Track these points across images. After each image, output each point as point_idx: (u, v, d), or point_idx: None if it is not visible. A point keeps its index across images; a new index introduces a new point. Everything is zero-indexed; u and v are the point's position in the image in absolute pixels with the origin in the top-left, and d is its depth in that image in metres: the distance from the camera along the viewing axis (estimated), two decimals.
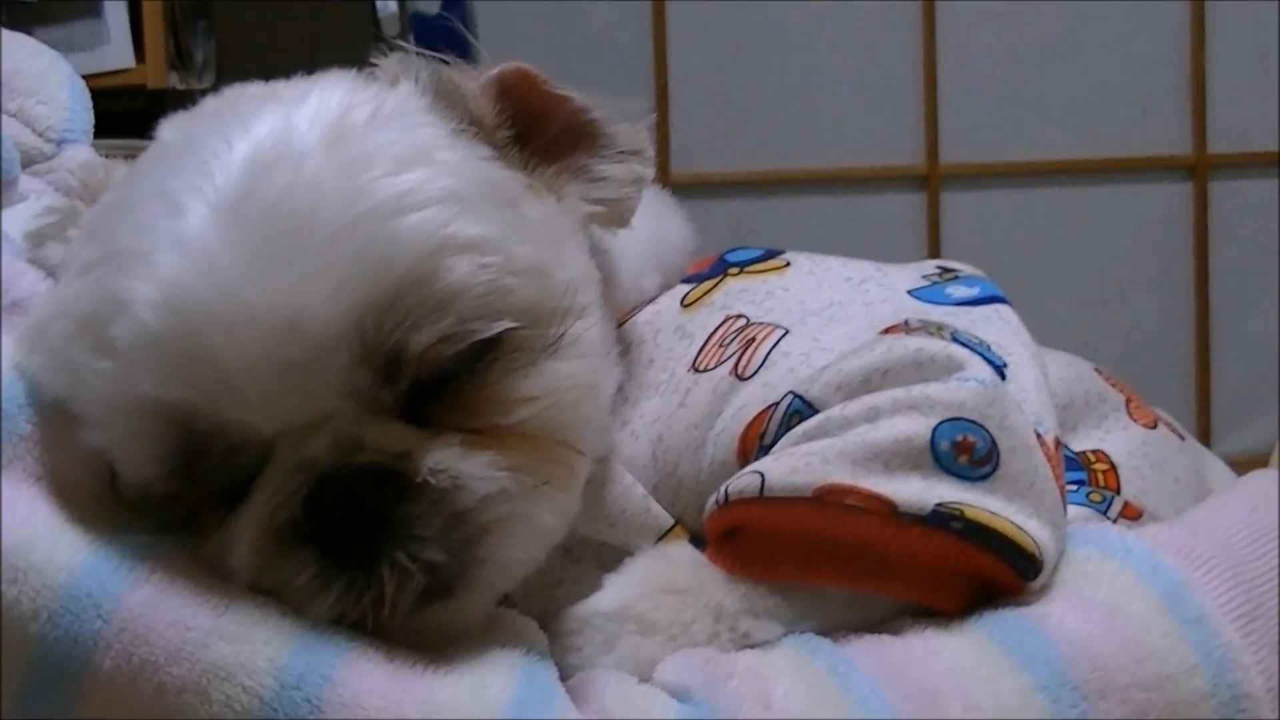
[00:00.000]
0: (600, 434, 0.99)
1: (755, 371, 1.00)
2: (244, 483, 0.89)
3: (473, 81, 1.00)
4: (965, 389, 0.92)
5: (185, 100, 1.02)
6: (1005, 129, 4.15)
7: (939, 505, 0.89)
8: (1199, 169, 4.09)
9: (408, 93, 0.97)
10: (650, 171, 1.03)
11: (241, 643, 0.83)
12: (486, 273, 0.88)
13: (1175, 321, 4.14)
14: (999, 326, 1.02)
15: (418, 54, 1.00)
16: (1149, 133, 4.11)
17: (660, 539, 1.01)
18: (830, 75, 4.16)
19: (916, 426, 0.91)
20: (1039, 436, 0.95)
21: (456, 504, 0.87)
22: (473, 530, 0.88)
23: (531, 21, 4.01)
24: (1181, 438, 1.16)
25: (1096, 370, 1.16)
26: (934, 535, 0.89)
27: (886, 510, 0.89)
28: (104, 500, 0.91)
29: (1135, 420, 1.12)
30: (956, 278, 1.09)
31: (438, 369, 0.88)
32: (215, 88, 1.02)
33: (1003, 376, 0.95)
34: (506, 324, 0.90)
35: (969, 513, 0.89)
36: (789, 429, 0.95)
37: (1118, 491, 1.06)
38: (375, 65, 1.00)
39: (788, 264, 1.12)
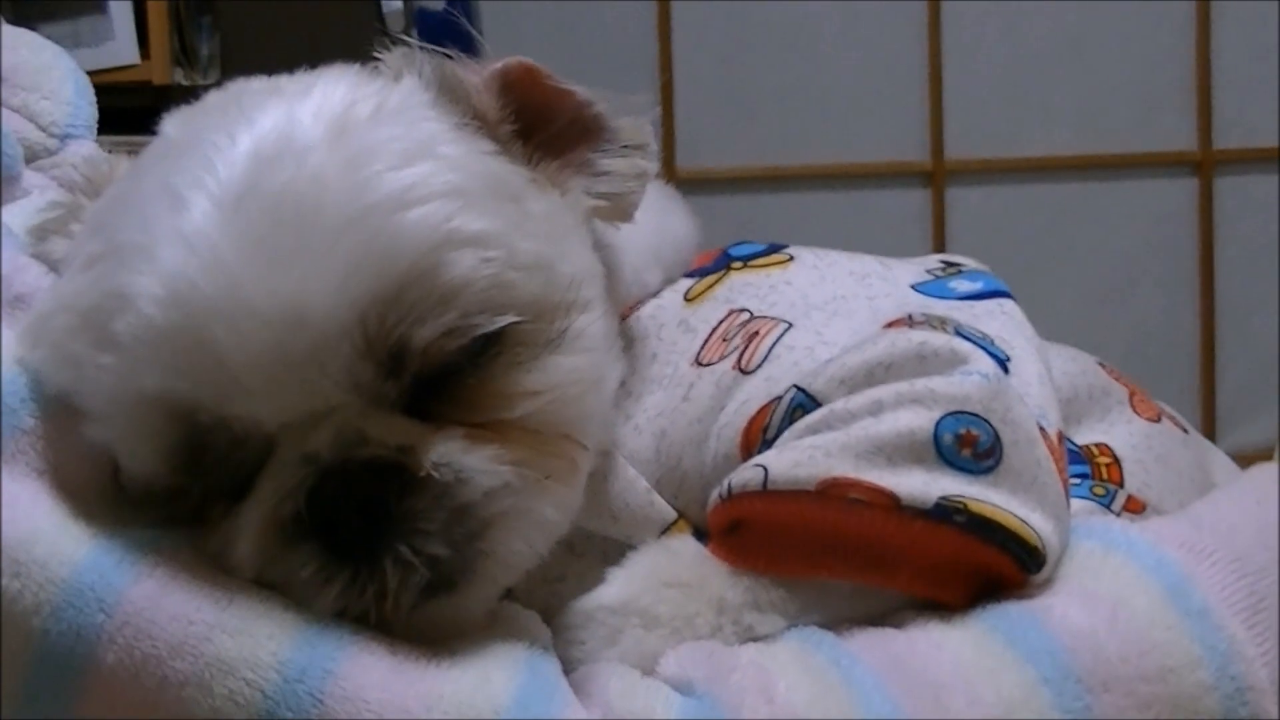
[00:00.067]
0: (603, 428, 1.00)
1: (759, 365, 1.00)
2: (247, 477, 0.89)
3: (476, 76, 1.00)
4: (968, 383, 0.92)
5: (190, 96, 1.02)
6: (1010, 125, 4.14)
7: (942, 498, 0.89)
8: (1204, 165, 4.08)
9: (411, 87, 0.97)
10: (654, 166, 1.03)
11: (244, 637, 0.83)
12: (490, 267, 0.89)
13: (1180, 317, 4.14)
14: (1002, 321, 1.02)
15: (421, 49, 1.00)
16: (1154, 129, 4.11)
17: (663, 533, 1.01)
18: (836, 71, 4.15)
19: (920, 420, 0.91)
20: (1042, 430, 0.95)
21: (460, 498, 0.87)
22: (476, 524, 0.88)
23: (537, 18, 4.01)
24: (1185, 431, 1.16)
25: (1100, 364, 1.16)
26: (937, 528, 0.89)
27: (890, 504, 0.89)
28: (107, 495, 0.91)
29: (1139, 414, 1.12)
30: (960, 272, 1.09)
31: (441, 363, 0.88)
32: (220, 84, 1.02)
33: (1006, 370, 0.95)
34: (510, 318, 0.90)
35: (972, 506, 0.89)
36: (792, 423, 0.95)
37: (1121, 485, 1.06)
38: (379, 60, 1.00)
39: (791, 258, 1.12)
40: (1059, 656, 0.87)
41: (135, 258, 0.86)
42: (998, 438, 0.91)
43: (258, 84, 0.98)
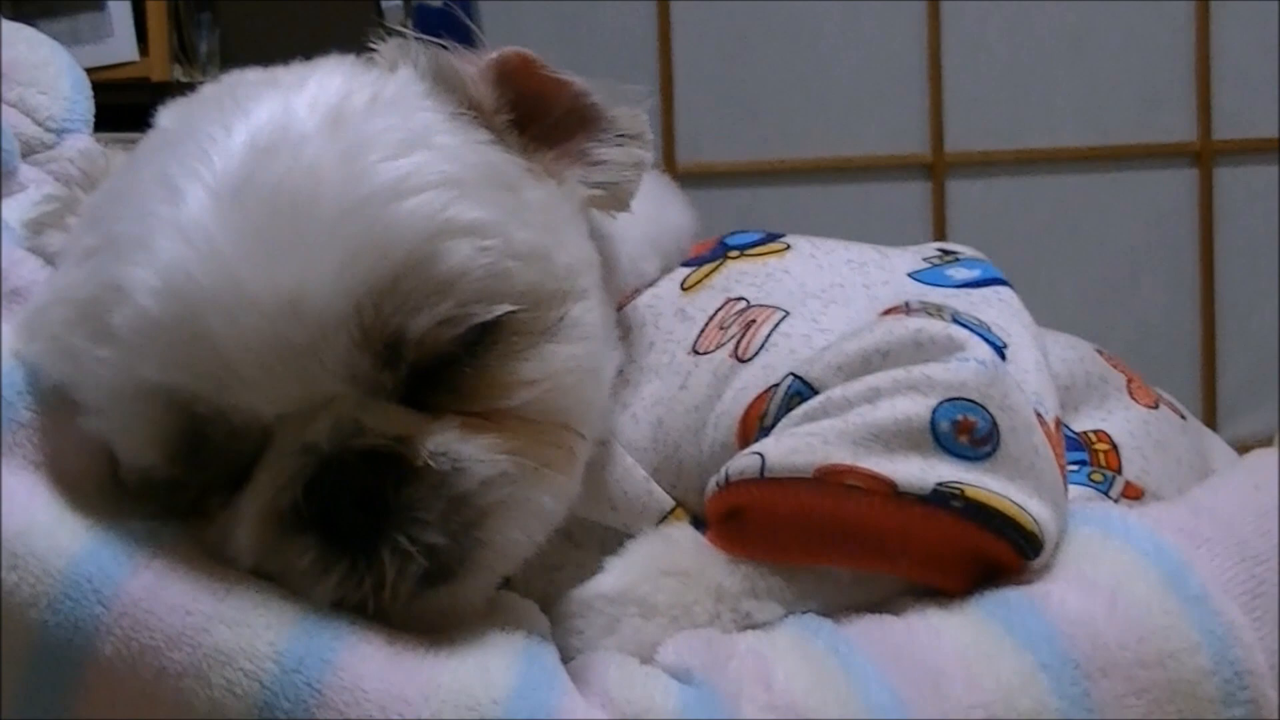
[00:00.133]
0: (601, 417, 0.99)
1: (755, 353, 1.00)
2: (245, 467, 0.89)
3: (472, 66, 1.00)
4: (965, 369, 0.92)
5: (189, 93, 1.02)
6: (1010, 117, 4.14)
7: (939, 485, 0.89)
8: (1204, 156, 4.08)
9: (406, 77, 0.97)
10: (650, 155, 1.03)
11: (242, 627, 0.83)
12: (486, 256, 0.89)
13: (1181, 307, 4.14)
14: (999, 308, 1.02)
15: (416, 39, 1.00)
16: (1154, 120, 4.11)
17: (661, 521, 1.01)
18: (836, 64, 4.15)
19: (917, 407, 0.91)
20: (1039, 417, 0.95)
21: (457, 487, 0.87)
22: (473, 513, 0.88)
23: (537, 12, 4.01)
24: (1183, 418, 1.16)
25: (1098, 351, 1.16)
26: (934, 515, 0.89)
27: (887, 490, 0.89)
28: (104, 487, 0.91)
29: (1137, 400, 1.12)
30: (957, 260, 1.10)
31: (437, 352, 0.88)
32: None
33: (1003, 357, 0.95)
34: (506, 307, 0.90)
35: (969, 492, 0.89)
36: (789, 410, 0.95)
37: (1119, 471, 1.06)
38: (374, 51, 1.00)
39: (788, 247, 1.13)
40: (1057, 642, 0.86)
41: (131, 250, 0.86)
42: (995, 424, 0.91)
43: (253, 75, 0.98)
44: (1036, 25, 4.12)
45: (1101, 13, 4.07)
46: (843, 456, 0.90)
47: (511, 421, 0.91)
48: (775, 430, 0.95)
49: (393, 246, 0.85)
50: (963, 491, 0.89)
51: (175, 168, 0.88)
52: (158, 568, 0.85)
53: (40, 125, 1.13)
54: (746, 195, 4.12)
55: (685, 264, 1.14)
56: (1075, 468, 1.04)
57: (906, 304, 0.99)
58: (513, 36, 1.00)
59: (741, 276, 1.09)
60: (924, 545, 0.91)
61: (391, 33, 1.01)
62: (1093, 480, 1.04)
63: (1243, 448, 1.18)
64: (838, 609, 0.92)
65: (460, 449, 0.88)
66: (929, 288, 1.04)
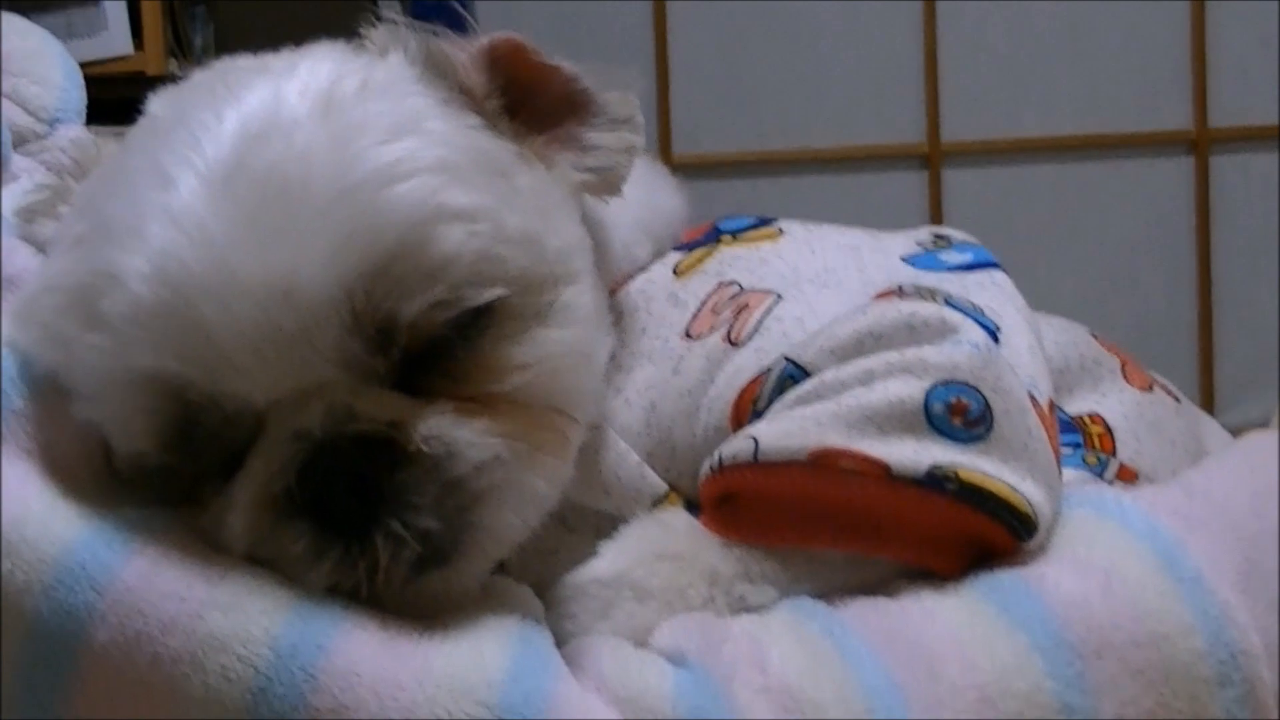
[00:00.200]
0: (594, 401, 0.99)
1: (748, 337, 1.00)
2: (238, 454, 0.89)
3: (463, 52, 1.00)
4: (959, 352, 0.92)
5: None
6: (1006, 106, 4.13)
7: (933, 467, 0.89)
8: (1200, 144, 4.08)
9: (397, 63, 0.97)
10: (641, 140, 1.03)
11: (236, 613, 0.83)
12: (477, 241, 0.89)
13: (1178, 295, 4.13)
14: (992, 292, 1.02)
15: (407, 25, 1.00)
16: (1150, 108, 4.10)
17: (655, 505, 1.01)
18: (832, 55, 4.14)
19: (910, 389, 0.91)
20: (1033, 399, 0.95)
21: (450, 471, 0.87)
22: (467, 497, 0.88)
23: (533, 4, 4.01)
24: (1177, 400, 1.16)
25: (1092, 335, 1.16)
26: (928, 497, 0.89)
27: (881, 473, 0.89)
28: (98, 474, 0.91)
29: (1131, 383, 1.12)
30: (950, 245, 1.10)
31: (430, 337, 0.88)
32: None
33: (996, 340, 0.95)
34: (498, 292, 0.90)
35: (963, 474, 0.89)
36: (782, 394, 0.95)
37: (1113, 454, 1.06)
38: (364, 36, 1.00)
39: (781, 232, 1.13)
40: (1052, 624, 0.86)
41: (123, 236, 0.86)
42: (988, 406, 0.91)
43: (244, 62, 0.98)
44: (1032, 15, 4.11)
45: (1097, 2, 4.07)
46: (836, 439, 0.90)
47: (504, 406, 0.91)
48: (768, 414, 0.95)
49: (384, 231, 0.85)
50: (957, 474, 0.89)
51: (166, 154, 0.88)
52: (151, 554, 0.85)
53: (32, 115, 1.13)
54: (743, 186, 4.12)
55: (677, 249, 1.14)
56: (1069, 450, 1.04)
57: (899, 287, 0.99)
58: (509, 27, 1.00)
59: (734, 261, 1.09)
60: (918, 528, 0.91)
61: (382, 19, 1.01)
62: (1087, 463, 1.04)
63: (1240, 434, 1.18)
64: (832, 592, 0.92)
65: (453, 433, 0.88)
66: (922, 272, 1.04)
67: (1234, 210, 4.11)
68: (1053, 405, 0.99)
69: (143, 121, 0.96)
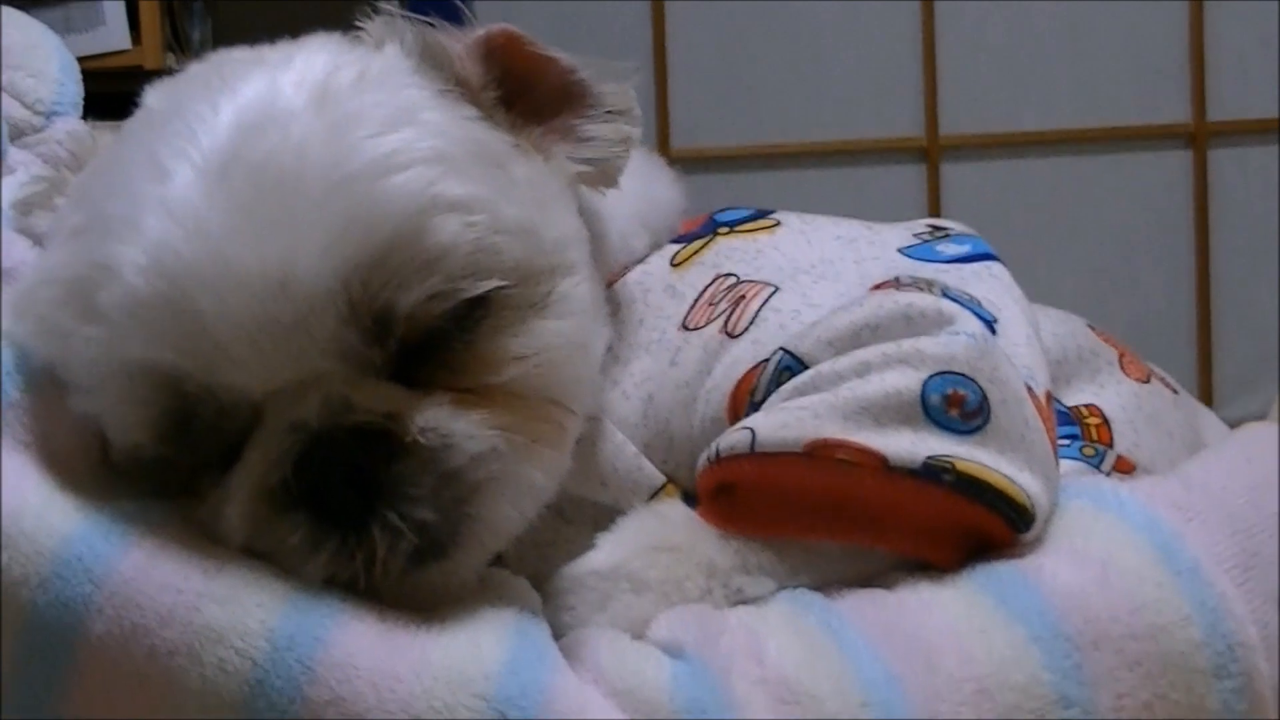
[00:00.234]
0: (591, 392, 0.99)
1: (745, 329, 1.00)
2: (235, 445, 0.89)
3: (459, 43, 1.00)
4: (956, 343, 0.92)
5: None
6: (1004, 100, 4.13)
7: (930, 458, 0.89)
8: (1198, 137, 4.08)
9: (393, 54, 0.97)
10: (638, 131, 1.03)
11: (233, 605, 0.83)
12: (474, 231, 0.89)
13: (1177, 289, 4.13)
14: (990, 283, 1.02)
15: (403, 17, 1.00)
16: (1148, 102, 4.10)
17: (652, 497, 1.01)
18: (830, 49, 4.14)
19: (907, 380, 0.91)
20: (1030, 390, 0.95)
21: (447, 463, 0.87)
22: (464, 489, 0.88)
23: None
24: (1175, 392, 1.16)
25: (1089, 326, 1.16)
26: (925, 488, 0.89)
27: (878, 464, 0.89)
28: (95, 466, 0.91)
29: (1128, 375, 1.12)
30: (947, 236, 1.10)
31: (426, 328, 0.88)
32: None
33: (993, 331, 0.95)
34: (494, 282, 0.90)
35: (960, 465, 0.89)
36: (779, 385, 0.95)
37: (1111, 445, 1.06)
38: (361, 28, 1.00)
39: (778, 223, 1.13)
40: (1049, 615, 0.86)
41: (119, 228, 0.86)
42: (985, 397, 0.91)
43: (239, 54, 0.98)
44: (1030, 9, 4.11)
45: None
46: (833, 431, 0.90)
47: (501, 397, 0.91)
48: (765, 405, 0.95)
49: (380, 222, 0.85)
50: (954, 465, 0.89)
51: (162, 146, 0.88)
52: (148, 546, 0.85)
53: (29, 109, 1.13)
54: (741, 180, 4.12)
55: (675, 241, 1.14)
56: (1067, 442, 1.04)
57: (896, 279, 0.99)
58: (508, 20, 1.00)
59: (731, 253, 1.09)
60: (915, 519, 0.91)
61: (378, 11, 1.01)
62: (1084, 454, 1.04)
63: (1238, 427, 1.18)
64: (829, 583, 0.92)
65: (450, 425, 0.88)
66: (919, 263, 1.04)
67: (1232, 204, 4.12)
68: (1050, 396, 0.99)
69: (138, 114, 0.96)
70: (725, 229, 1.13)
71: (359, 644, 0.83)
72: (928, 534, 0.92)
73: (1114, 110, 4.11)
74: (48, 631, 0.82)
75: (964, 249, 1.06)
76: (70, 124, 1.12)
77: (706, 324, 1.03)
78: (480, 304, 0.90)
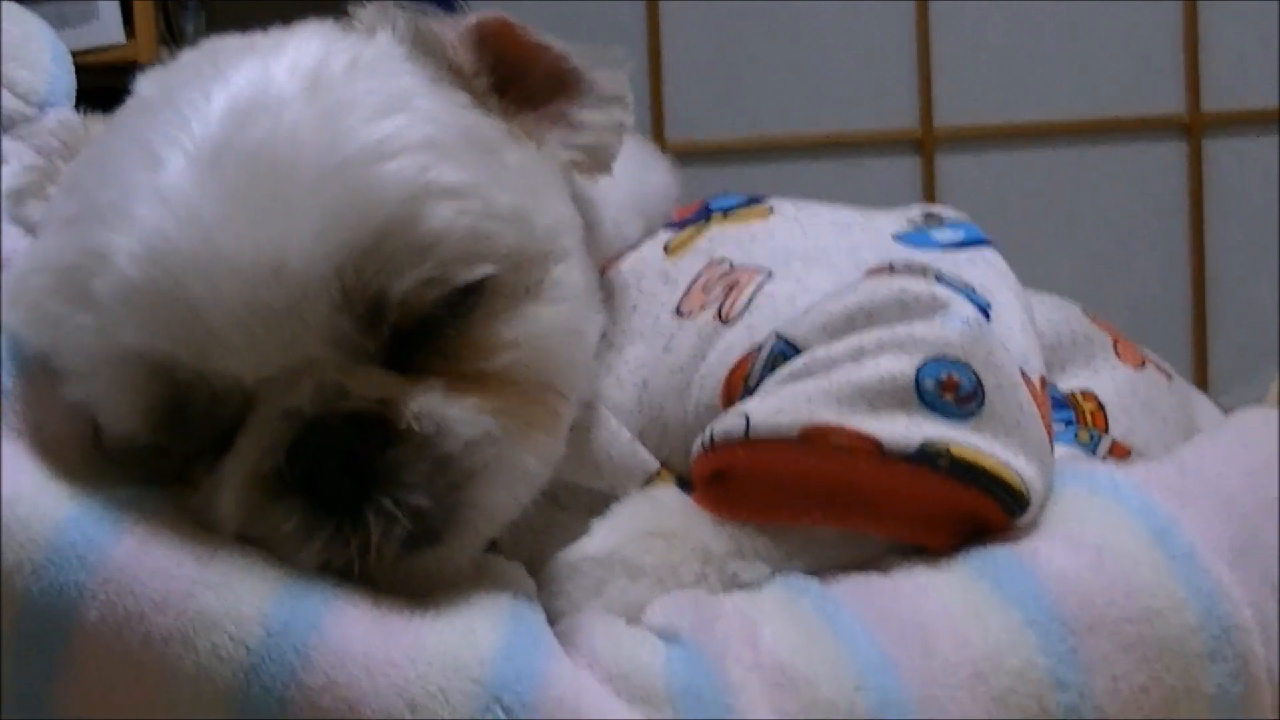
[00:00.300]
0: (584, 378, 0.99)
1: (739, 315, 1.00)
2: (228, 433, 0.89)
3: (451, 30, 1.00)
4: (950, 328, 0.92)
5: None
6: (999, 91, 4.13)
7: (925, 443, 0.89)
8: (1193, 128, 4.08)
9: (385, 41, 0.97)
10: (630, 118, 1.03)
11: (227, 591, 0.83)
12: (466, 218, 0.89)
13: (1172, 280, 4.13)
14: (984, 269, 1.02)
15: (395, 4, 0.99)
16: (1143, 92, 4.10)
17: (647, 483, 1.01)
18: (825, 40, 4.14)
19: (901, 365, 0.91)
20: (1025, 375, 0.94)
21: (441, 449, 0.87)
22: (458, 475, 0.88)
23: None
24: (1169, 377, 1.16)
25: (1084, 312, 1.16)
26: (920, 473, 0.89)
27: (872, 449, 0.89)
28: (88, 454, 0.91)
29: (1123, 360, 1.12)
30: (941, 223, 1.09)
31: (420, 315, 0.88)
32: None
33: (987, 317, 0.95)
34: (487, 269, 0.90)
35: (955, 450, 0.89)
36: (773, 371, 0.95)
37: (1106, 431, 1.06)
38: (352, 15, 0.99)
39: (771, 210, 1.13)
40: (1044, 599, 0.86)
41: (112, 216, 0.86)
42: (980, 382, 0.91)
43: (231, 41, 0.98)
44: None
45: None
46: (828, 416, 0.90)
47: (495, 383, 0.91)
48: (760, 391, 0.95)
49: (373, 209, 0.85)
50: (948, 450, 0.89)
51: (154, 134, 0.88)
52: (141, 534, 0.85)
53: (22, 99, 1.13)
54: (736, 172, 4.11)
55: (668, 227, 1.14)
56: (1062, 427, 1.04)
57: (890, 264, 0.99)
58: (502, 9, 1.00)
59: (725, 239, 1.09)
60: (910, 504, 0.91)
61: None
62: (1079, 440, 1.04)
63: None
64: (824, 569, 0.92)
65: (444, 411, 0.88)
66: (913, 249, 1.04)
67: (1227, 194, 4.11)
68: (1045, 382, 0.99)
69: (131, 102, 0.96)
70: (719, 215, 1.13)
71: (354, 630, 0.83)
72: (923, 519, 0.92)
73: (1109, 101, 4.11)
74: (42, 619, 0.82)
75: (958, 235, 1.06)
76: (62, 114, 1.12)
77: (700, 310, 1.03)
78: (473, 290, 0.90)
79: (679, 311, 1.04)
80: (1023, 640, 0.85)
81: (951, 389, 0.90)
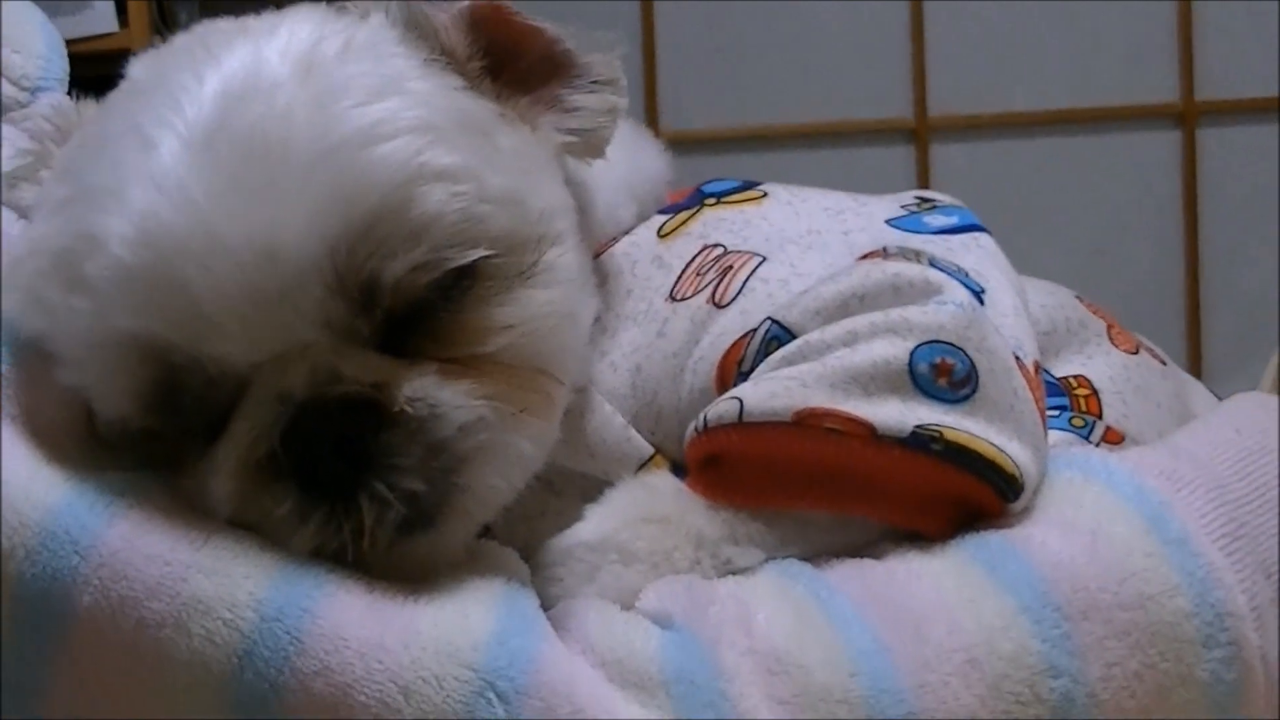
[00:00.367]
0: (578, 362, 0.99)
1: (733, 299, 1.00)
2: (222, 416, 0.89)
3: (444, 13, 0.99)
4: (943, 312, 0.92)
5: None
6: (993, 80, 4.12)
7: (918, 427, 0.89)
8: (1187, 117, 4.07)
9: (378, 24, 0.97)
10: (624, 101, 1.03)
11: (221, 576, 0.83)
12: (459, 201, 0.88)
13: (1166, 269, 4.13)
14: (977, 254, 1.02)
15: None
16: (1137, 81, 4.09)
17: (640, 468, 1.01)
18: (819, 29, 4.13)
19: (895, 349, 0.91)
20: (1018, 360, 0.94)
21: (435, 433, 0.87)
22: (452, 459, 0.88)
23: None
24: (1163, 363, 1.16)
25: (1077, 297, 1.16)
26: (914, 457, 0.89)
27: (866, 433, 0.89)
28: (82, 439, 0.91)
29: (1117, 346, 1.12)
30: (935, 207, 1.10)
31: (413, 298, 0.88)
32: None
33: (981, 302, 0.95)
34: (481, 252, 0.89)
35: (948, 434, 0.89)
36: (767, 355, 0.95)
37: (1100, 416, 1.05)
38: None
39: (765, 194, 1.13)
40: (1038, 585, 0.86)
41: (105, 199, 0.86)
42: (973, 367, 0.91)
43: (224, 24, 0.97)
44: None
45: None
46: (821, 400, 0.90)
47: (489, 367, 0.91)
48: (753, 375, 0.95)
49: (366, 192, 0.85)
50: (942, 434, 0.89)
51: (147, 117, 0.88)
52: (135, 518, 0.85)
53: (15, 84, 1.13)
54: (730, 161, 4.11)
55: (662, 211, 1.14)
56: (1056, 413, 1.03)
57: (884, 249, 0.99)
58: None
59: (719, 223, 1.09)
60: (904, 488, 0.91)
61: None
62: (1073, 425, 1.04)
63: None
64: (818, 554, 0.92)
65: (438, 395, 0.88)
66: (907, 234, 1.04)
67: (1221, 183, 4.11)
68: (1038, 367, 0.99)
69: (123, 85, 0.96)
70: (712, 200, 1.13)
71: (347, 615, 0.83)
72: (916, 504, 0.92)
73: (1103, 90, 4.10)
74: (36, 604, 0.82)
75: (951, 220, 1.06)
76: (55, 98, 1.12)
77: (694, 294, 1.03)
78: (466, 274, 0.89)
79: (673, 296, 1.04)
80: (1016, 626, 0.85)
81: (945, 373, 0.90)
